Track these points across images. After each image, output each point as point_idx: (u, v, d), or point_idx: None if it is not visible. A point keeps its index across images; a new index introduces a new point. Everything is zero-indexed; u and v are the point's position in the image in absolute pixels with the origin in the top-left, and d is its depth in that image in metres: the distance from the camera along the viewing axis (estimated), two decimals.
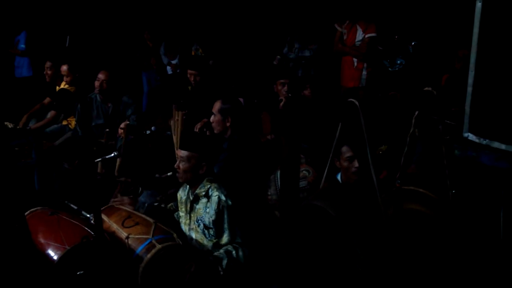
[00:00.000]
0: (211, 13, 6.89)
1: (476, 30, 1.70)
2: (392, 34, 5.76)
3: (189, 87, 4.63)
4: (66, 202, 2.94)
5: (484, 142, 1.68)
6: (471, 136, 1.73)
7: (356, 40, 4.90)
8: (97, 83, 4.29)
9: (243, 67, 6.26)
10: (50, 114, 4.89)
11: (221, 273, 2.50)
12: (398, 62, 5.82)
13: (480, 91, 1.72)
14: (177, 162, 2.71)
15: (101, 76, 4.31)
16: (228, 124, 3.26)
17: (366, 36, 4.85)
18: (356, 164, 2.60)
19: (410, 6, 5.61)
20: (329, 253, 2.37)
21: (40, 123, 4.82)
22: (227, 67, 6.10)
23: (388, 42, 5.73)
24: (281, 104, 3.95)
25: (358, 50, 4.86)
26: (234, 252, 2.59)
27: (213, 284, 2.54)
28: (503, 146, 1.63)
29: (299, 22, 5.84)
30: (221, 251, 2.59)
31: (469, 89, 1.73)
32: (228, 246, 2.62)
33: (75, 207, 2.87)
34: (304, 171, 3.36)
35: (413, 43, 5.79)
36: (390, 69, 5.82)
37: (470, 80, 1.72)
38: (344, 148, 2.63)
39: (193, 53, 6.72)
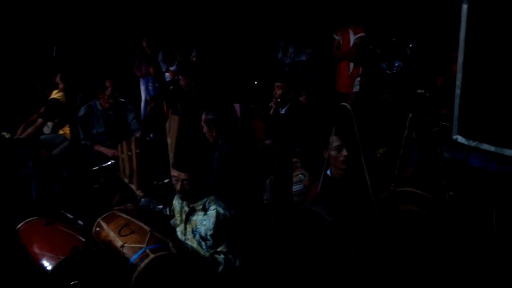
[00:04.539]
0: (208, 19, 6.91)
1: (462, 32, 1.69)
2: (389, 37, 5.76)
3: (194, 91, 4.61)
4: (62, 211, 2.94)
5: (473, 144, 1.67)
6: (460, 139, 1.72)
7: (351, 44, 4.95)
8: (108, 92, 4.30)
9: (241, 72, 6.27)
10: (37, 121, 4.90)
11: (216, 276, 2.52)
12: (396, 64, 5.82)
13: (468, 93, 1.72)
14: (179, 186, 2.65)
15: (108, 84, 4.33)
16: (214, 134, 3.24)
17: (356, 36, 4.91)
18: (344, 152, 2.57)
19: (405, 8, 5.62)
20: (325, 257, 2.36)
21: (29, 131, 4.82)
22: (223, 72, 6.11)
23: (386, 44, 5.73)
24: (271, 111, 3.95)
25: (351, 52, 4.92)
26: (232, 260, 2.62)
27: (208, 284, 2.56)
28: (492, 148, 1.62)
29: (293, 27, 5.85)
30: (222, 256, 2.61)
31: (457, 91, 1.72)
32: (229, 255, 2.63)
33: (71, 216, 2.87)
34: (300, 175, 3.37)
35: (410, 45, 5.79)
36: (388, 71, 5.82)
37: (458, 82, 1.72)
38: (333, 138, 2.60)
39: (193, 59, 6.75)
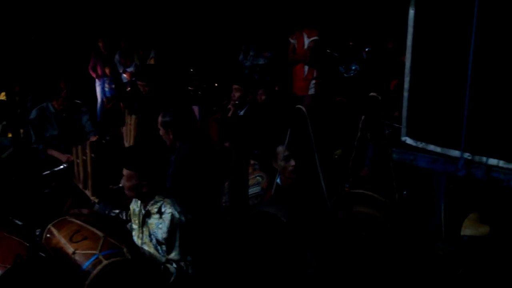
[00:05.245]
0: (167, 20, 6.84)
1: (410, 36, 1.74)
2: (347, 41, 5.88)
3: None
4: (10, 217, 2.82)
5: (421, 145, 1.71)
6: (409, 140, 1.76)
7: (305, 47, 5.01)
8: (63, 94, 4.16)
9: (201, 75, 6.23)
10: None
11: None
12: (353, 68, 5.94)
13: (415, 96, 1.76)
14: (122, 180, 2.61)
15: (63, 87, 4.19)
16: (171, 137, 3.19)
17: (310, 40, 4.98)
18: (292, 162, 2.59)
19: (360, 12, 5.75)
20: (280, 258, 2.37)
21: None
22: (182, 74, 6.05)
23: (343, 48, 5.84)
24: (230, 113, 3.95)
25: (305, 55, 4.98)
26: (184, 268, 2.55)
27: None
28: (438, 149, 1.67)
29: (254, 30, 5.88)
30: (174, 265, 2.54)
31: (405, 94, 1.77)
32: (181, 262, 2.57)
33: (20, 223, 2.76)
34: (257, 177, 3.37)
35: (366, 49, 5.92)
36: (345, 75, 5.93)
37: (406, 85, 1.76)
38: (280, 148, 2.62)
39: (151, 61, 6.66)
